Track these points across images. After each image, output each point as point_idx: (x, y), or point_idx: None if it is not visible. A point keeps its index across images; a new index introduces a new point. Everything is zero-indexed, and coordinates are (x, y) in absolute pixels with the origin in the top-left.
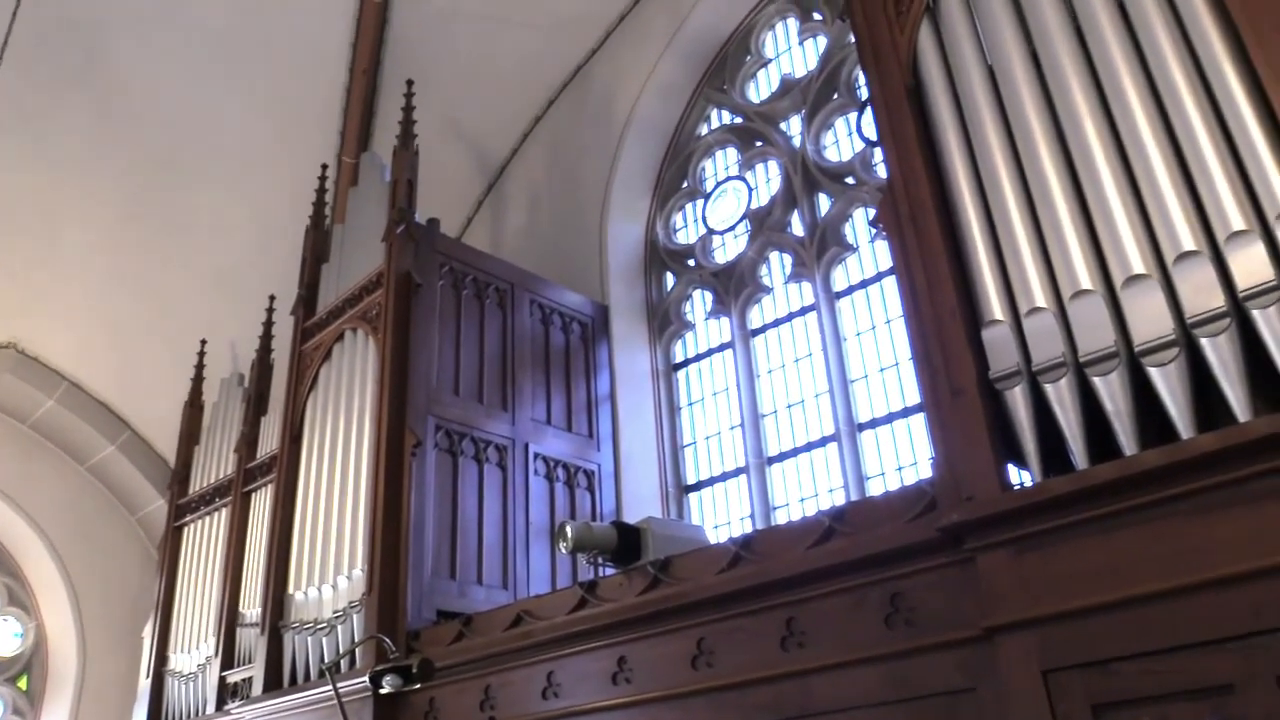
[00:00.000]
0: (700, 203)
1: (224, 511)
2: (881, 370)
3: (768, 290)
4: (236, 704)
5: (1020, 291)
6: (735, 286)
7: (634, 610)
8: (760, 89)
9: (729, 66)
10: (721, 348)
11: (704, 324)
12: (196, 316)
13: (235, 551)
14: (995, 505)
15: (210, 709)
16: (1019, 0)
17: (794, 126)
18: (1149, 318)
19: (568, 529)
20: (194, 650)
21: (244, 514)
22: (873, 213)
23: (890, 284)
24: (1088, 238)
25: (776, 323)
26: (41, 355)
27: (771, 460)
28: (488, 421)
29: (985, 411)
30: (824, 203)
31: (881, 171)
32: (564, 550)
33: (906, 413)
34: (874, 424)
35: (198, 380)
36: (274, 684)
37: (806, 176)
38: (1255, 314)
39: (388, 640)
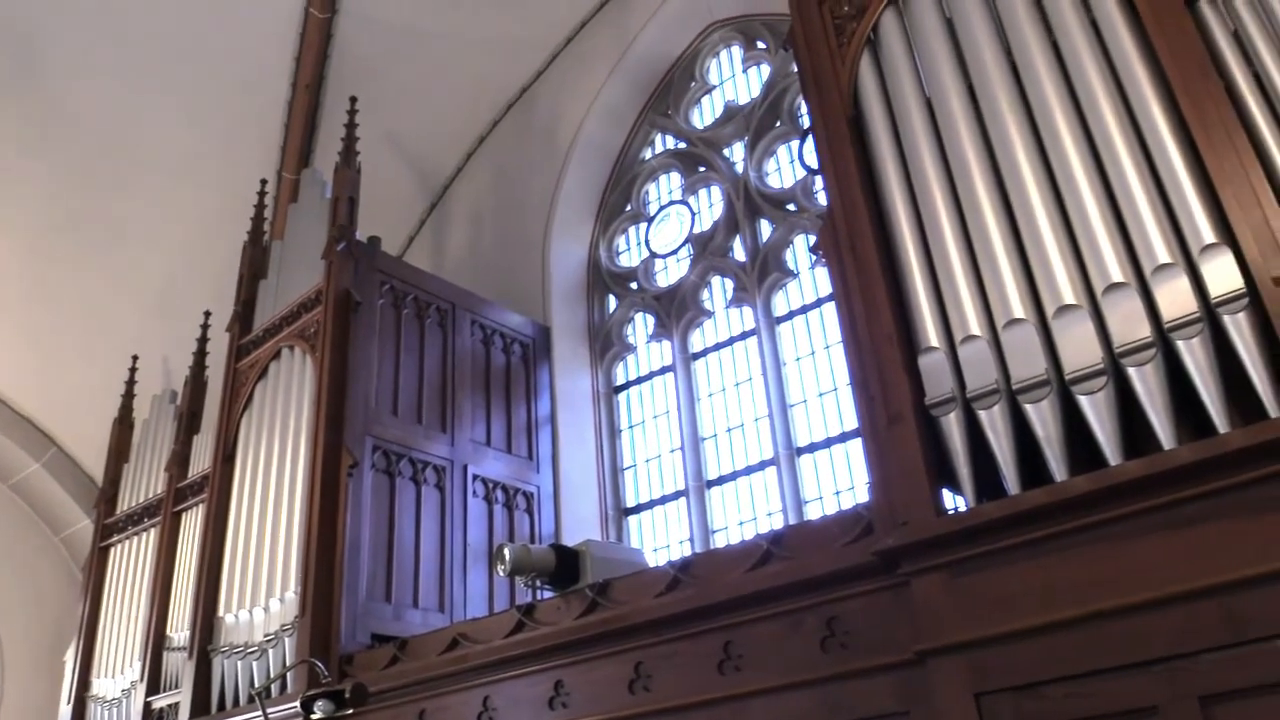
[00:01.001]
0: (643, 226)
1: (153, 531)
2: (820, 395)
3: (709, 314)
4: None
5: (955, 319)
6: (677, 310)
7: (572, 634)
8: (704, 115)
9: (674, 92)
10: (662, 371)
11: (645, 347)
12: (128, 331)
13: (163, 573)
14: (929, 530)
15: None
16: (957, 36)
17: (737, 153)
18: (1079, 347)
19: (506, 551)
20: (118, 675)
21: (174, 534)
22: (813, 239)
23: (830, 310)
24: (1021, 268)
25: (717, 347)
26: None
27: (711, 483)
28: (426, 442)
29: (921, 437)
30: (765, 228)
31: (822, 199)
32: (502, 573)
33: (845, 437)
34: (813, 448)
35: (128, 397)
36: (201, 710)
37: (749, 202)
38: (1180, 344)
39: (320, 664)
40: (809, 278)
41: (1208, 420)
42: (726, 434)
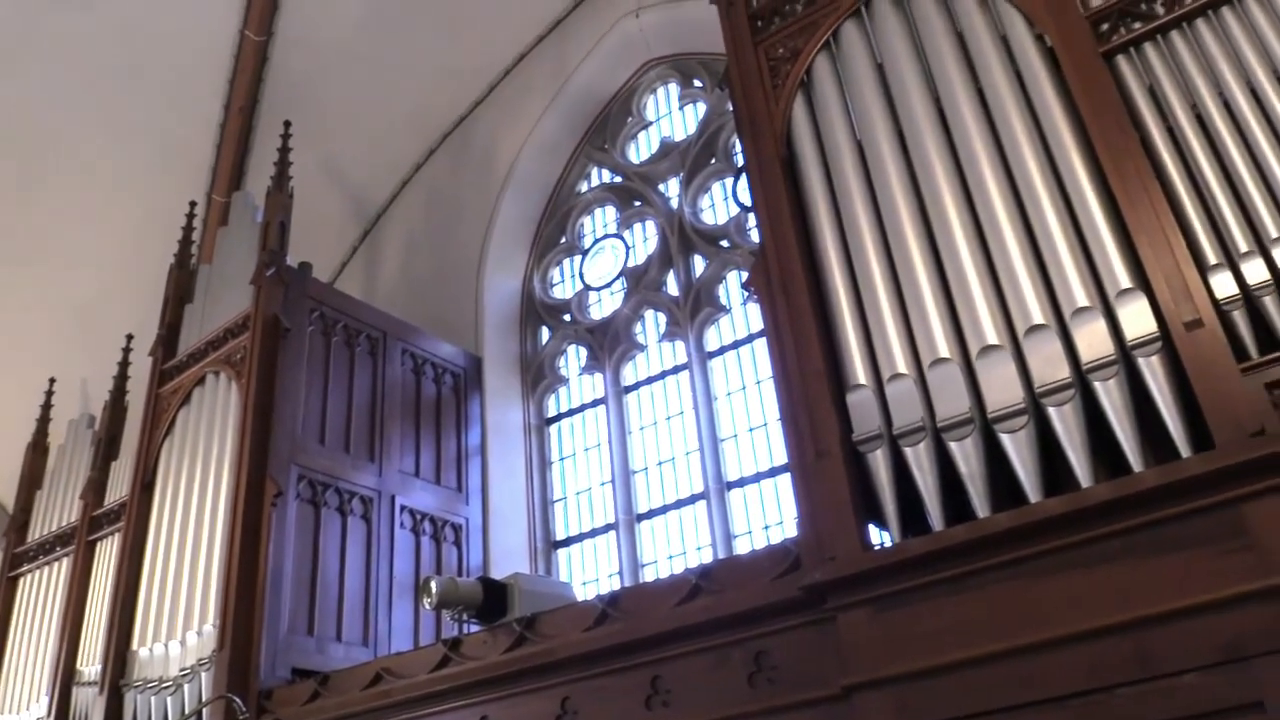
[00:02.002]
0: (578, 259)
1: (65, 561)
2: (751, 430)
3: (642, 348)
4: None
5: (883, 357)
6: (610, 343)
7: (498, 668)
8: (640, 150)
9: (610, 127)
10: (594, 403)
11: (578, 379)
12: (45, 352)
13: (75, 604)
14: (856, 565)
15: None
16: (887, 82)
17: (672, 188)
18: (1001, 386)
19: (432, 584)
20: (24, 711)
21: (87, 564)
22: (746, 276)
23: (761, 346)
24: (946, 308)
25: (649, 380)
26: None
27: (641, 517)
28: (353, 472)
29: (848, 473)
30: (699, 264)
31: (755, 236)
32: (428, 606)
33: (774, 472)
34: (742, 483)
35: (43, 421)
36: None
37: (683, 238)
38: (1097, 385)
39: (238, 700)
40: (741, 313)
41: (1124, 459)
42: (657, 467)
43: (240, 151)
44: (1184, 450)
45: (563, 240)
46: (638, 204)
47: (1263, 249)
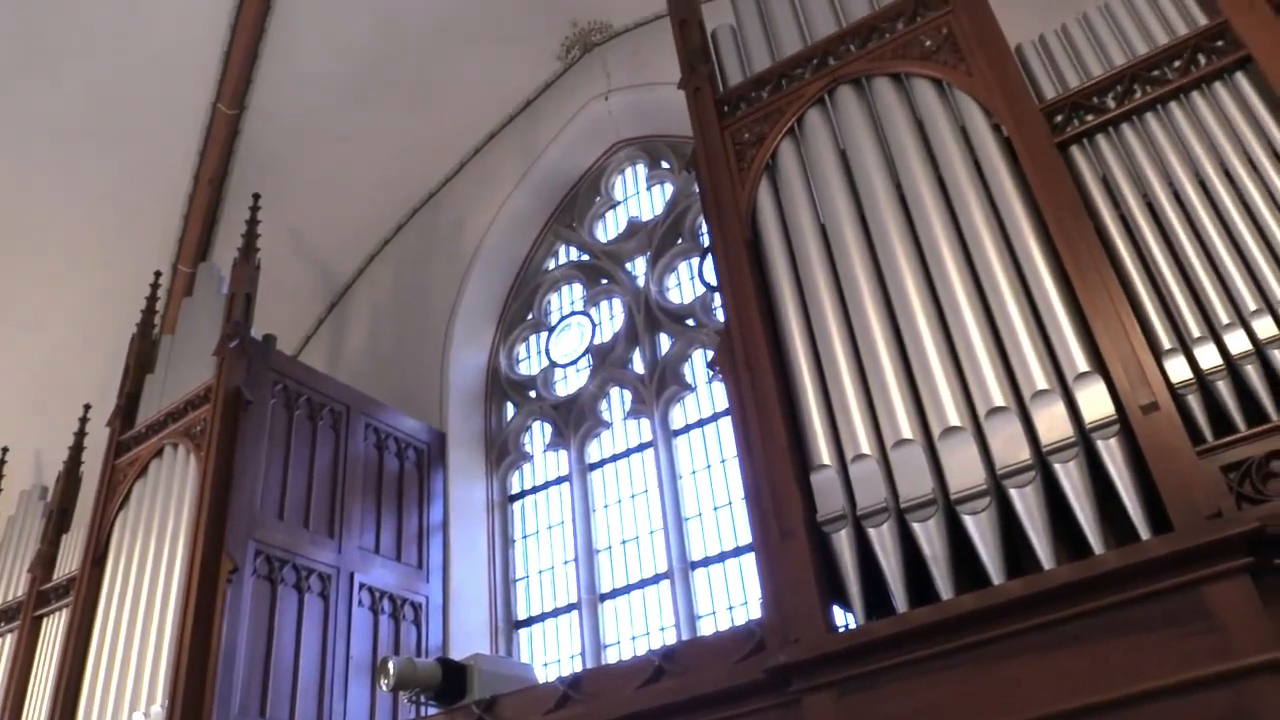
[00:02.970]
0: (544, 335)
1: (9, 637)
2: (716, 509)
3: (607, 425)
4: None
5: (846, 437)
6: (575, 420)
7: None
8: (608, 229)
9: (579, 205)
10: (559, 480)
11: (542, 456)
12: None
13: (18, 681)
14: (820, 647)
15: None
16: (850, 168)
17: (639, 267)
18: (963, 468)
19: (390, 665)
20: None
21: (32, 640)
22: (711, 355)
23: (726, 424)
24: (908, 389)
25: (614, 458)
26: None
27: (604, 597)
28: (312, 548)
29: (812, 554)
30: (665, 342)
31: (721, 316)
32: (385, 688)
33: (739, 552)
34: (706, 562)
35: None
36: None
37: (649, 316)
38: (1057, 467)
39: None
40: (706, 392)
41: (1085, 541)
42: (621, 546)
43: (208, 222)
44: (1144, 532)
45: (529, 316)
46: (605, 282)
47: (1214, 334)
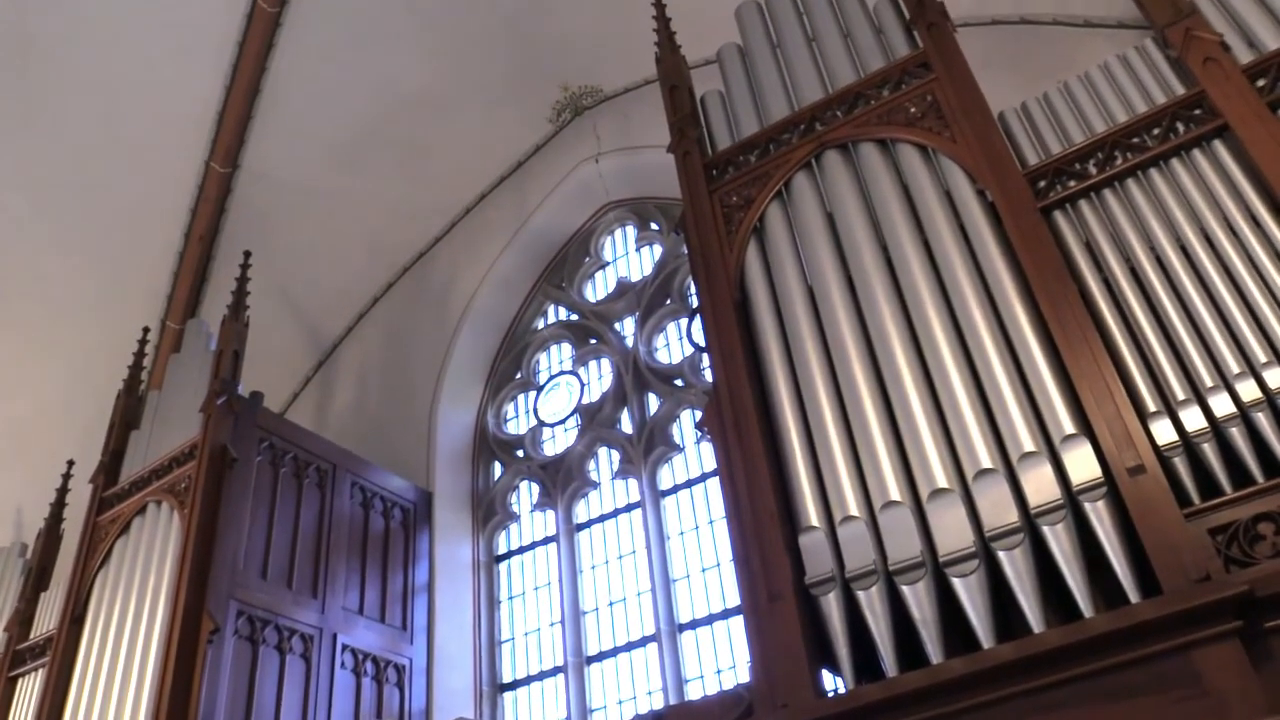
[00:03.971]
0: (532, 394)
1: None
2: (704, 570)
3: (594, 485)
4: None
5: (835, 499)
6: (563, 480)
7: None
8: (597, 289)
9: (568, 265)
10: (545, 541)
11: (529, 516)
12: None
13: None
14: (809, 712)
15: None
16: (837, 231)
17: (627, 327)
18: (952, 530)
19: None
20: None
21: (7, 701)
22: (699, 415)
23: (714, 485)
24: (896, 451)
25: (602, 518)
26: None
27: (591, 659)
28: (295, 609)
29: (801, 617)
30: (653, 402)
31: (709, 376)
32: None
33: (727, 614)
34: (695, 625)
35: None
36: None
37: (637, 376)
38: (1045, 530)
39: None
40: (694, 452)
41: (1075, 604)
42: (608, 608)
43: (198, 279)
44: (1133, 595)
45: (518, 376)
46: (593, 342)
47: (1199, 397)
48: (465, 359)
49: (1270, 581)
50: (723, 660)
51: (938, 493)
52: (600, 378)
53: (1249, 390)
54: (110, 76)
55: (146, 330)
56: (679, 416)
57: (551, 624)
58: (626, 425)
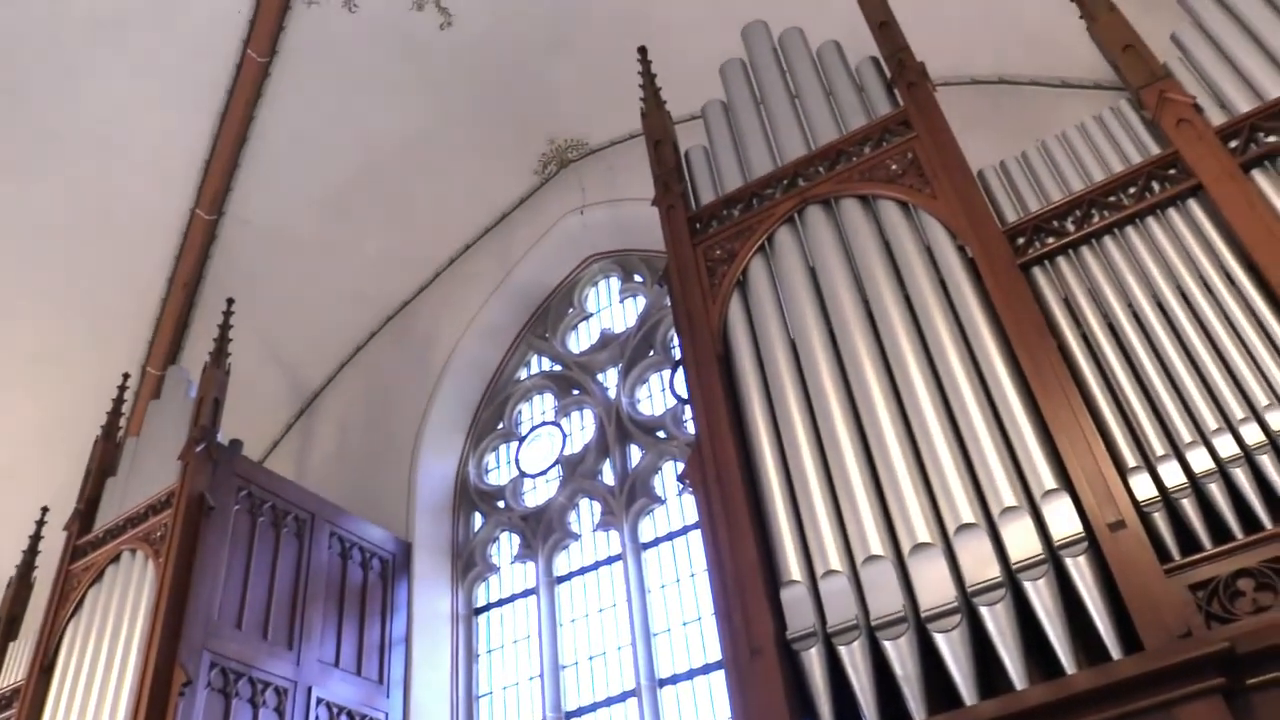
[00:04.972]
0: (514, 445)
1: None
2: (684, 624)
3: (575, 537)
4: None
5: (816, 553)
6: (544, 531)
7: None
8: (580, 340)
9: (551, 316)
10: (525, 593)
11: (509, 568)
12: None
13: None
14: None
15: None
16: (819, 285)
17: (610, 378)
18: (933, 585)
19: None
20: None
21: None
22: (681, 467)
23: (696, 538)
24: (878, 505)
25: (583, 570)
26: None
27: (570, 715)
28: (270, 660)
29: (783, 672)
30: (635, 454)
31: (691, 428)
32: None
33: (708, 669)
34: (675, 679)
35: None
36: None
37: (619, 427)
38: (1027, 585)
39: None
40: (676, 504)
41: (1057, 660)
42: (588, 662)
43: (180, 326)
44: (1115, 651)
45: (500, 426)
46: (576, 393)
47: (1177, 452)
48: (447, 409)
49: (1251, 638)
50: (703, 715)
51: (919, 547)
52: (582, 429)
53: (1226, 445)
54: (98, 122)
55: (126, 376)
56: (661, 468)
57: (530, 678)
58: (608, 477)
